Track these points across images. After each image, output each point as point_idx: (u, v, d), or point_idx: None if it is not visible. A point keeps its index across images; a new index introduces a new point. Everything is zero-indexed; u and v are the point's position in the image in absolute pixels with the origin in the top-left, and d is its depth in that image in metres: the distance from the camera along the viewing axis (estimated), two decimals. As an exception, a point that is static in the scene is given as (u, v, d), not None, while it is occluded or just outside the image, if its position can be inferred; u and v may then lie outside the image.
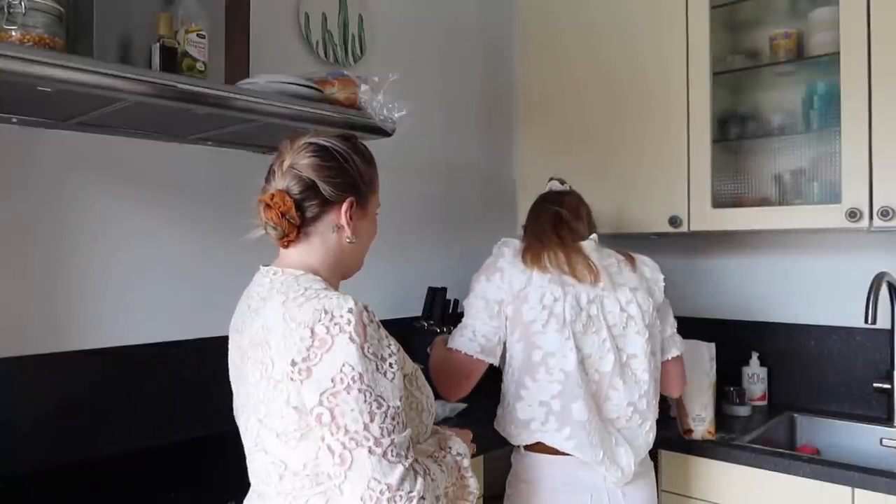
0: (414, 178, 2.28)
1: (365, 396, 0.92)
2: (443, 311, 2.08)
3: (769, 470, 1.68)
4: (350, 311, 0.95)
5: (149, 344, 1.63)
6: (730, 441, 1.81)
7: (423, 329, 2.04)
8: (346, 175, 1.08)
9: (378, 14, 2.16)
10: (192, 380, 1.67)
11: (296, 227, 1.06)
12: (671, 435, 1.85)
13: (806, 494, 1.63)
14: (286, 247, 1.09)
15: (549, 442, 1.46)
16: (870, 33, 1.77)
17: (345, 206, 1.07)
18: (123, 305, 1.59)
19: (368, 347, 0.95)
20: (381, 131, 1.62)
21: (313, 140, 1.09)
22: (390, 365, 0.97)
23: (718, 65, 2.07)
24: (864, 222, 1.77)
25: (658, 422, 1.58)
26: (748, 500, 1.73)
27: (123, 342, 1.59)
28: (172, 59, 1.38)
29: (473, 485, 1.14)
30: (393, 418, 0.94)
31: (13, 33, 1.14)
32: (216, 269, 1.72)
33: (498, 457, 1.69)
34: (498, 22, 2.60)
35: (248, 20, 1.67)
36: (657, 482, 1.66)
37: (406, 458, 0.94)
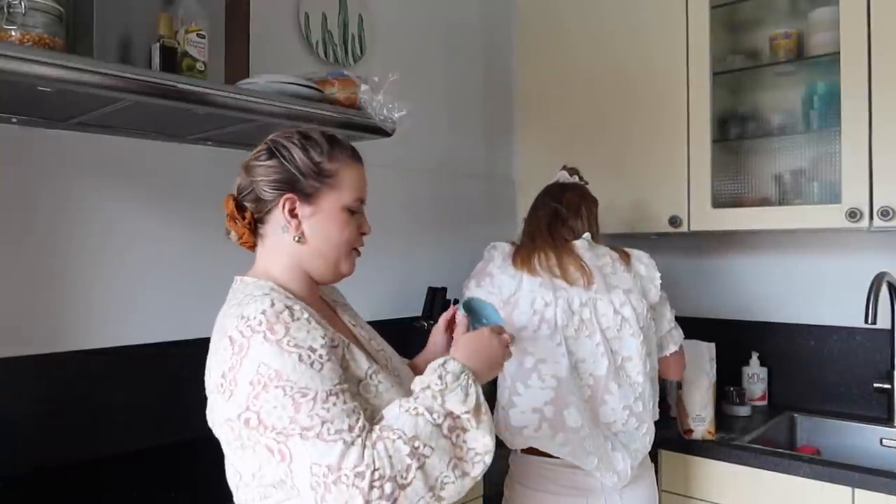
0: (414, 177, 2.28)
1: (284, 391, 0.87)
2: (443, 310, 2.08)
3: (769, 470, 1.68)
4: (263, 312, 0.92)
5: (149, 344, 1.63)
6: (730, 441, 1.81)
7: (424, 329, 2.04)
8: (285, 172, 1.03)
9: (378, 14, 2.16)
10: (192, 380, 1.66)
11: (246, 228, 1.05)
12: (671, 435, 1.85)
13: (806, 494, 1.63)
14: (251, 249, 1.09)
15: (542, 448, 1.46)
16: (870, 33, 1.77)
17: (281, 203, 1.03)
18: (123, 305, 1.59)
19: (289, 341, 0.90)
20: (381, 131, 1.62)
21: (269, 138, 1.07)
22: (320, 356, 0.91)
23: (718, 65, 2.07)
24: (864, 222, 1.77)
25: (658, 422, 1.58)
26: (748, 500, 1.72)
27: (124, 342, 1.59)
28: (172, 59, 1.38)
29: (457, 407, 0.94)
30: (324, 402, 0.88)
31: (13, 33, 1.14)
32: (216, 269, 1.71)
33: (497, 456, 1.69)
34: (498, 22, 2.60)
35: (248, 20, 1.67)
36: (657, 482, 1.66)
37: (350, 431, 0.87)
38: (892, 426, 1.94)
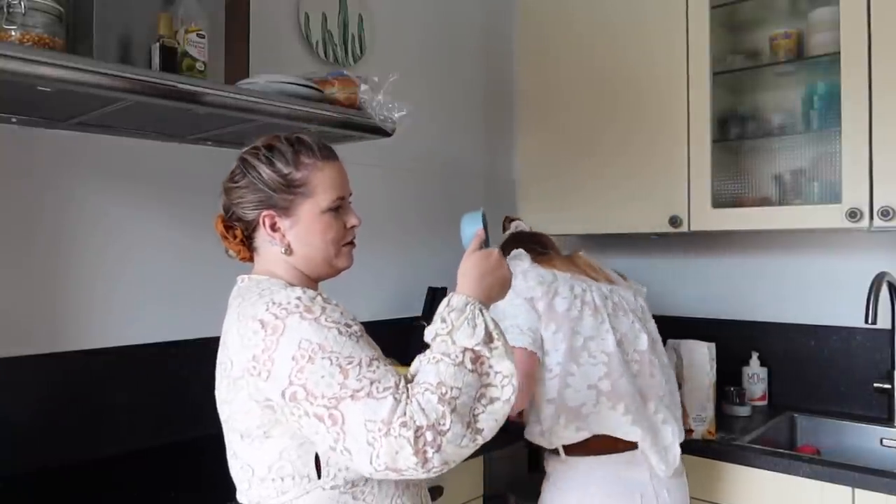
0: (414, 177, 2.28)
1: (331, 360, 0.90)
2: (443, 311, 2.08)
3: (769, 470, 1.68)
4: (298, 297, 0.96)
5: (149, 344, 1.63)
6: (730, 441, 1.81)
7: (424, 329, 2.04)
8: (257, 191, 1.05)
9: (378, 14, 2.16)
10: (192, 380, 1.67)
11: (240, 245, 1.09)
12: (671, 435, 1.85)
13: (806, 494, 1.63)
14: (250, 261, 1.12)
15: (603, 426, 1.44)
16: (870, 33, 1.77)
17: (261, 220, 1.06)
18: (124, 305, 1.59)
19: (326, 318, 0.94)
20: (381, 131, 1.62)
21: (240, 155, 1.09)
22: (355, 331, 0.95)
23: (718, 65, 2.07)
24: (865, 222, 1.77)
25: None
26: (748, 500, 1.73)
27: (124, 342, 1.59)
28: (172, 59, 1.38)
29: (468, 342, 0.95)
30: (369, 365, 0.92)
31: (13, 33, 1.14)
32: (216, 269, 1.70)
33: (498, 457, 1.69)
34: (498, 21, 2.60)
35: (248, 20, 1.67)
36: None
37: (397, 388, 0.90)
38: (892, 426, 1.94)
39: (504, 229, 1.80)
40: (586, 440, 1.46)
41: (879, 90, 1.76)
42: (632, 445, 1.46)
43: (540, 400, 1.48)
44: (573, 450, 1.48)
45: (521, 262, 1.58)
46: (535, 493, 1.58)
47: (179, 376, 1.66)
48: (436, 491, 1.54)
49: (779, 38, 2.05)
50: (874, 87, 1.76)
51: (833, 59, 1.85)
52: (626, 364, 1.48)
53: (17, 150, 1.44)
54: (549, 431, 1.48)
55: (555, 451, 1.51)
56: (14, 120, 1.40)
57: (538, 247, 1.67)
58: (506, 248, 1.69)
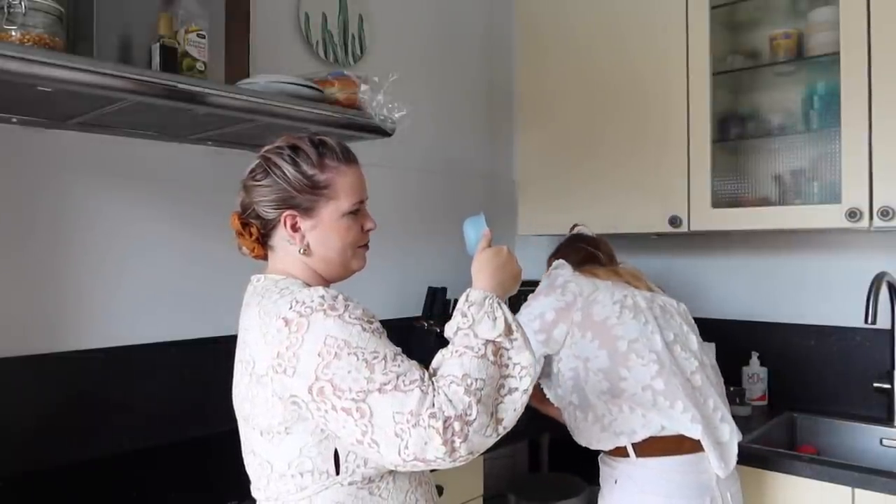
0: (413, 177, 2.28)
1: (357, 356, 0.92)
2: (443, 310, 2.08)
3: (769, 470, 1.68)
4: (322, 296, 0.97)
5: (149, 344, 1.63)
6: (730, 441, 1.81)
7: (424, 329, 2.04)
8: (281, 191, 1.05)
9: (378, 14, 2.16)
10: (192, 380, 1.67)
11: (255, 243, 1.09)
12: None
13: (806, 494, 1.63)
14: (264, 259, 1.12)
15: (665, 421, 1.44)
16: (870, 33, 1.77)
17: (282, 220, 1.06)
18: (124, 305, 1.59)
19: (349, 315, 0.95)
20: (381, 131, 1.62)
21: (261, 152, 1.09)
22: (377, 328, 0.97)
23: (718, 65, 2.07)
24: (864, 222, 1.77)
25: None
26: (748, 500, 1.72)
27: (123, 342, 1.59)
28: (172, 59, 1.38)
29: (490, 335, 0.97)
30: (394, 360, 0.94)
31: (13, 33, 1.14)
32: (216, 269, 1.72)
33: (498, 457, 1.69)
34: (498, 21, 2.60)
35: (248, 20, 1.67)
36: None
37: (422, 380, 0.92)
38: (892, 426, 1.94)
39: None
40: (655, 440, 1.45)
41: (879, 90, 1.76)
42: (696, 447, 1.46)
43: (592, 398, 1.50)
44: (643, 449, 1.47)
45: (562, 274, 1.61)
46: (536, 493, 1.58)
47: (179, 376, 1.66)
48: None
49: (779, 38, 2.05)
50: (874, 86, 1.76)
51: (833, 59, 1.85)
52: (678, 363, 1.50)
53: (17, 150, 1.44)
54: (613, 423, 1.47)
55: (622, 454, 1.49)
56: (14, 120, 1.40)
57: (590, 248, 1.71)
58: (564, 247, 1.75)
